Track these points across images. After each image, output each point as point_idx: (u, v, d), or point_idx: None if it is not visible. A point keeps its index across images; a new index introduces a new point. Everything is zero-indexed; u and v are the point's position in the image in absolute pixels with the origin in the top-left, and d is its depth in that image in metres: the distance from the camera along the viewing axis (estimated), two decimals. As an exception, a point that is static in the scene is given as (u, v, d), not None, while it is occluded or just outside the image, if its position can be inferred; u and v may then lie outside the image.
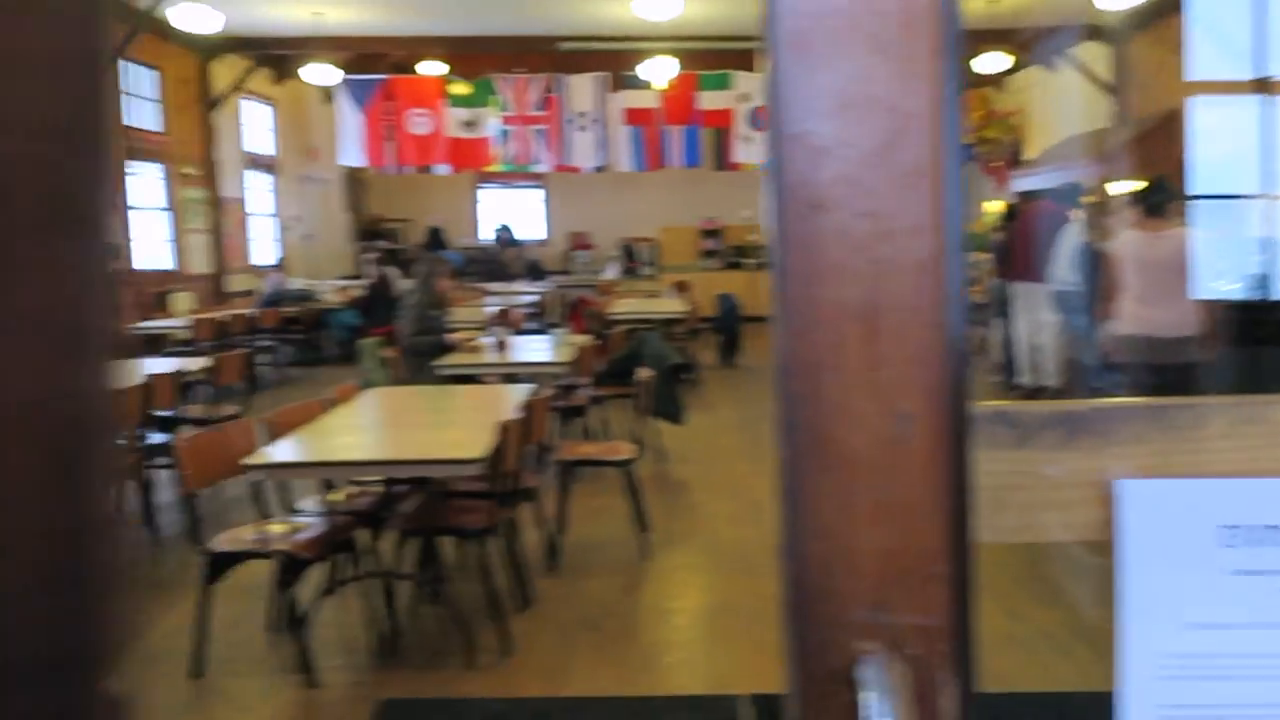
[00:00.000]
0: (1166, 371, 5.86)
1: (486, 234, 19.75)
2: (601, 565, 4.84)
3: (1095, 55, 15.87)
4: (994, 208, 18.48)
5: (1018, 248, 9.06)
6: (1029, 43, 16.09)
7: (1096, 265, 6.72)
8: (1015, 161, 18.21)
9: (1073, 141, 16.34)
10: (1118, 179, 11.52)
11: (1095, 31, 15.53)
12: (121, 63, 11.39)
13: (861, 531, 0.71)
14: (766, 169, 0.68)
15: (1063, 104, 17.29)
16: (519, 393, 4.98)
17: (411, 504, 4.06)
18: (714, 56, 15.99)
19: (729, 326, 12.23)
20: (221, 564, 3.66)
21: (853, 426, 0.70)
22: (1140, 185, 6.05)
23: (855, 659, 0.69)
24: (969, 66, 16.16)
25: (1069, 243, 7.79)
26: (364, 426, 4.47)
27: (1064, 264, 7.87)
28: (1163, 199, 5.89)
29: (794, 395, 0.70)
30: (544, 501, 4.74)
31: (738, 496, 6.07)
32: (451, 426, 4.53)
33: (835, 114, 0.67)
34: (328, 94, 15.70)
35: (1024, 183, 15.75)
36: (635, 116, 15.62)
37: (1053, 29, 15.63)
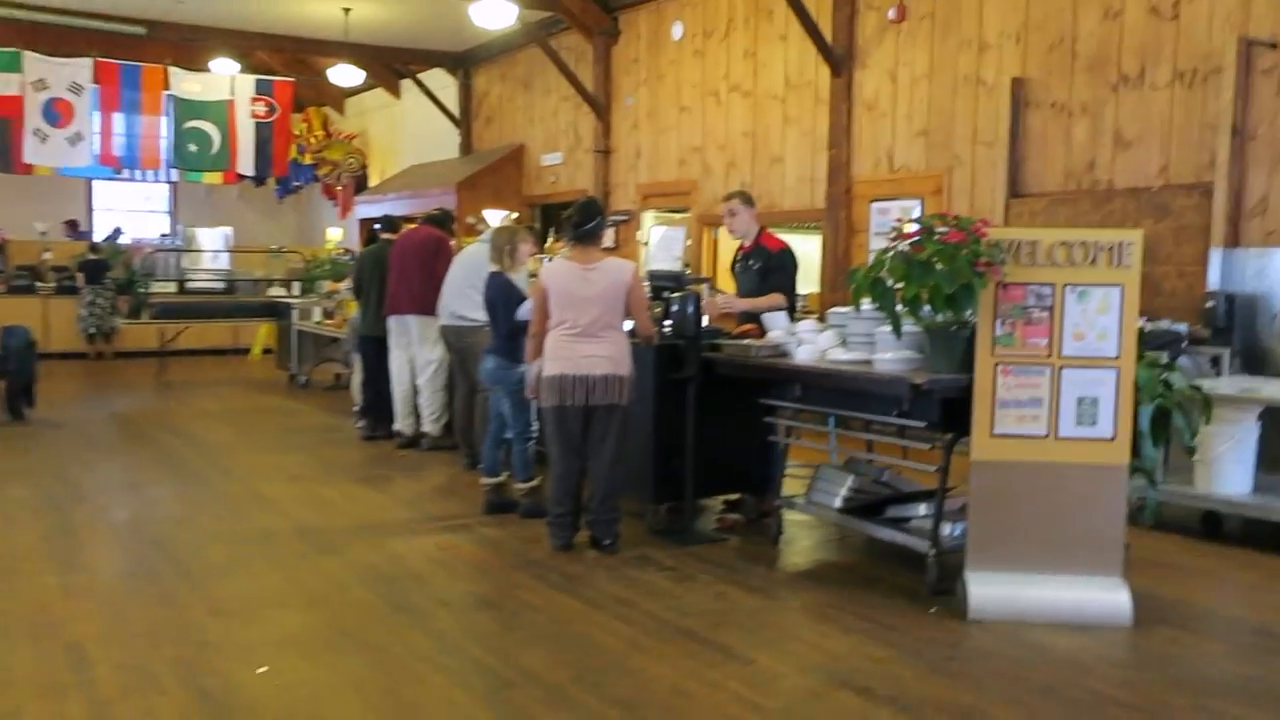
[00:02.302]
0: (595, 413, 5.12)
1: None
2: None
3: (443, 84, 15.54)
4: (337, 235, 17.39)
5: (396, 277, 7.95)
6: (378, 63, 15.24)
7: (510, 297, 5.84)
8: (361, 187, 17.29)
9: (420, 170, 15.85)
10: (481, 209, 11.05)
11: (443, 60, 15.18)
12: None
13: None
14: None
15: (410, 130, 16.78)
16: None
17: None
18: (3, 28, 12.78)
19: (20, 368, 9.41)
20: None
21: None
22: (571, 211, 5.26)
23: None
24: (324, 77, 14.84)
25: (468, 272, 6.87)
26: None
27: (461, 295, 6.94)
28: (595, 226, 5.15)
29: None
30: None
31: (48, 636, 4.05)
32: None
33: None
34: None
35: (371, 209, 14.88)
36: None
37: (401, 51, 14.96)
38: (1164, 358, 4.74)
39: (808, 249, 10.76)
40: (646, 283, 5.93)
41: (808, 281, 10.94)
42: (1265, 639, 4.14)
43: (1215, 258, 6.65)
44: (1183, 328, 6.40)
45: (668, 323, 5.55)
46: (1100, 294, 4.29)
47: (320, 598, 4.59)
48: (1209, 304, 6.55)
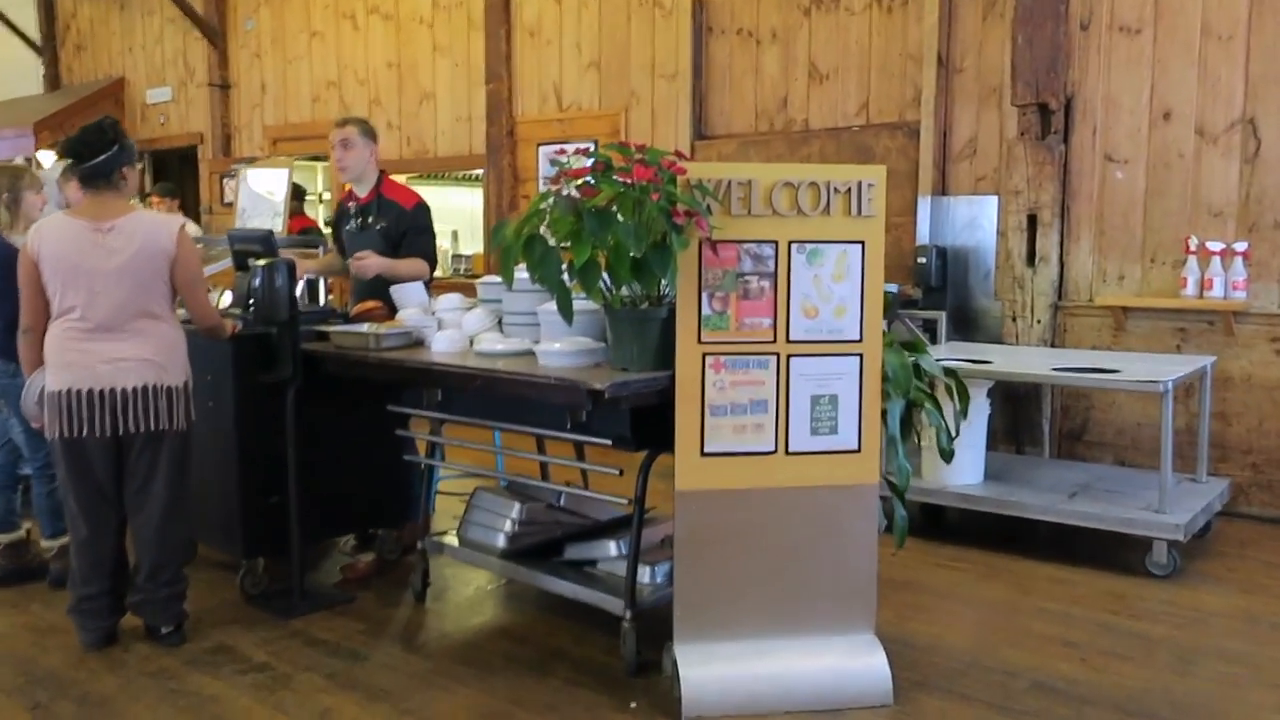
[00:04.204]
0: (131, 445, 3.45)
1: None
2: None
3: (17, 1, 12.57)
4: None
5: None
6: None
7: (9, 270, 3.97)
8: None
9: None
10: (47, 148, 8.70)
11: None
12: None
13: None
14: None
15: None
16: None
17: None
18: None
19: None
20: None
21: None
22: (68, 139, 3.48)
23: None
24: None
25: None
26: None
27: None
28: (108, 161, 3.41)
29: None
30: None
31: None
32: None
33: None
34: None
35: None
36: None
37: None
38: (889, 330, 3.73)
39: (471, 202, 9.32)
40: (221, 248, 4.24)
41: (472, 241, 9.50)
42: (1048, 698, 3.20)
43: (924, 207, 5.85)
44: (893, 288, 5.54)
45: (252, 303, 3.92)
46: (836, 254, 3.15)
47: None
48: (920, 260, 5.75)
